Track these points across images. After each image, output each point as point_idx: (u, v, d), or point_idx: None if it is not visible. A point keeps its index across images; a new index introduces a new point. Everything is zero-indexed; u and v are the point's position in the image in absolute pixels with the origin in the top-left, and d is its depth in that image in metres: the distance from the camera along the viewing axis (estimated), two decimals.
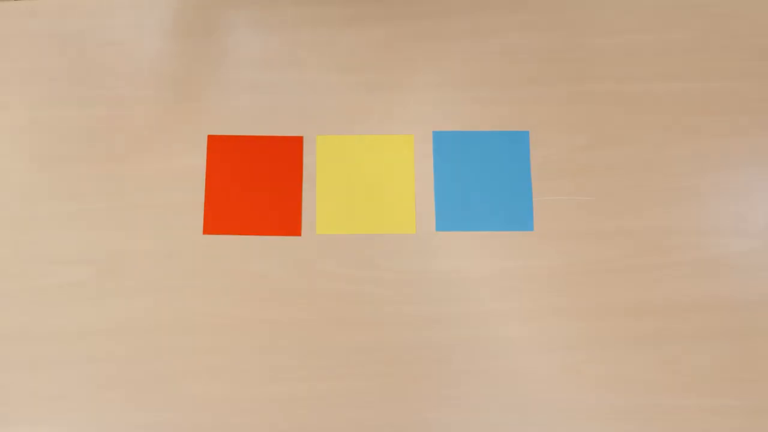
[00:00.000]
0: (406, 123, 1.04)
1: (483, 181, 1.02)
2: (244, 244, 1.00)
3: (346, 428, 0.95)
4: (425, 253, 1.00)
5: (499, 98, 1.04)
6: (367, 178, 1.02)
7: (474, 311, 0.98)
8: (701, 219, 1.01)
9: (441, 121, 1.04)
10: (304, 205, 1.02)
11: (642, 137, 1.03)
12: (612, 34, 1.06)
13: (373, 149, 1.03)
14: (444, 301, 0.99)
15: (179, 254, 0.99)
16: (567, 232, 1.00)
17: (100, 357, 0.96)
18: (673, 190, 1.02)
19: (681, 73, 1.05)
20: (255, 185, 1.02)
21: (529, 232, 1.00)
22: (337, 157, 1.03)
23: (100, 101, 1.04)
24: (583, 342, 0.97)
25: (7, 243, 1.00)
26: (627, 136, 1.03)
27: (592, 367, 0.97)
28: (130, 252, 0.99)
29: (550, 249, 1.00)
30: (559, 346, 0.97)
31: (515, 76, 1.05)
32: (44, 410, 0.95)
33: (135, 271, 0.99)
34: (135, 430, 0.95)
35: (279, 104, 1.04)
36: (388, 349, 0.97)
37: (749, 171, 1.02)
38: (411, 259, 1.00)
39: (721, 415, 0.95)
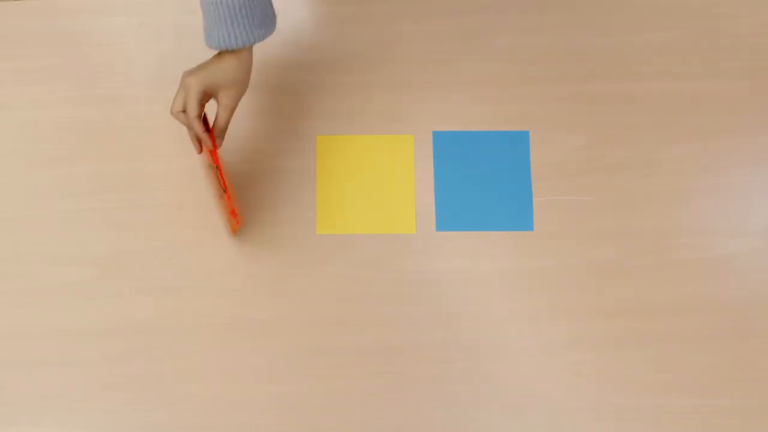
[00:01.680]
0: (406, 123, 1.03)
1: (483, 181, 1.02)
2: (244, 244, 1.00)
3: (345, 428, 0.95)
4: (425, 253, 1.00)
5: (499, 98, 1.04)
6: (367, 178, 1.02)
7: (474, 311, 0.98)
8: (701, 219, 1.01)
9: (441, 121, 1.04)
10: (303, 205, 1.01)
11: (642, 137, 1.03)
12: (612, 34, 1.06)
13: (373, 149, 1.03)
14: (444, 301, 0.98)
15: (179, 254, 0.99)
16: (567, 232, 1.00)
17: (100, 357, 0.96)
18: (673, 190, 1.02)
19: (681, 73, 1.05)
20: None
21: (529, 232, 1.00)
22: (337, 157, 1.03)
23: (100, 101, 1.04)
24: (583, 342, 0.97)
25: (7, 243, 0.99)
26: (627, 136, 1.03)
27: (592, 368, 0.96)
28: (130, 252, 0.99)
29: (550, 249, 1.00)
30: (559, 346, 0.97)
31: (515, 76, 1.05)
32: (45, 410, 0.95)
33: (135, 271, 0.99)
34: (135, 429, 0.94)
35: (280, 104, 1.04)
36: (388, 349, 0.97)
37: (750, 171, 1.02)
38: (411, 259, 1.00)
39: (722, 416, 0.95)
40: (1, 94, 1.04)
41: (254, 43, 0.87)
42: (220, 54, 0.89)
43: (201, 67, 0.89)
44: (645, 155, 1.02)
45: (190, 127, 0.90)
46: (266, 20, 0.89)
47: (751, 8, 1.07)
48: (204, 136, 0.89)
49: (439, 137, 1.03)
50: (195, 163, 1.02)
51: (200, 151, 0.92)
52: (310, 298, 0.98)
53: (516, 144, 1.03)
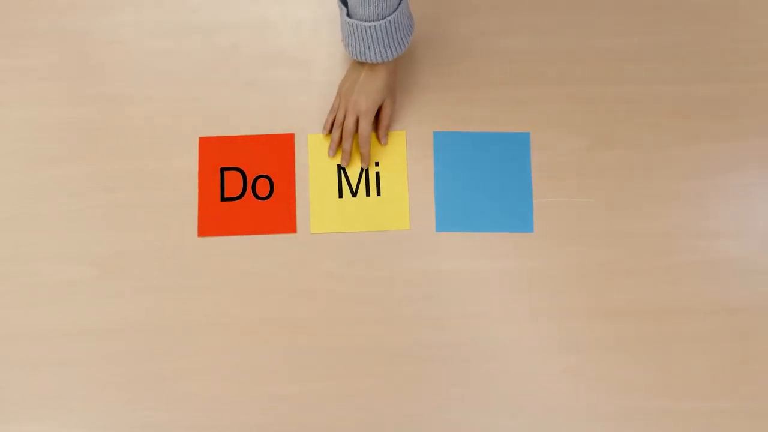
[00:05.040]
0: (406, 123, 1.03)
1: (483, 182, 1.02)
2: (242, 244, 1.00)
3: (344, 428, 0.95)
4: (425, 254, 1.00)
5: (500, 99, 1.04)
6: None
7: (473, 312, 0.98)
8: (701, 221, 1.01)
9: (441, 122, 1.03)
10: (299, 204, 1.01)
11: (642, 139, 1.03)
12: (613, 36, 1.06)
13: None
14: (443, 302, 0.99)
15: (178, 254, 0.99)
16: (567, 233, 1.00)
17: (100, 356, 0.97)
18: (673, 192, 1.01)
19: (682, 75, 1.05)
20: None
21: (529, 233, 1.00)
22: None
23: (100, 100, 1.04)
24: (582, 344, 0.97)
25: (8, 242, 1.00)
26: (627, 138, 1.03)
27: (591, 369, 0.97)
28: (130, 252, 0.99)
29: (549, 251, 1.00)
30: (558, 347, 0.97)
31: (516, 77, 1.04)
32: (45, 409, 0.95)
33: (134, 270, 0.99)
34: (133, 428, 0.95)
35: (276, 104, 1.04)
36: (388, 349, 0.97)
37: (750, 174, 1.02)
38: (411, 260, 1.00)
39: (720, 418, 0.95)
40: (2, 92, 1.04)
41: (407, 47, 0.92)
42: (371, 67, 0.94)
43: (365, 89, 0.95)
44: (645, 157, 1.02)
45: (362, 146, 0.99)
46: (412, 22, 0.92)
47: (753, 12, 1.07)
48: (367, 149, 0.99)
49: (439, 137, 1.03)
50: (195, 162, 1.02)
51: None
52: (309, 298, 0.98)
53: (516, 145, 1.02)
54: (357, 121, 0.97)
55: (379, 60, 0.91)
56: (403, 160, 1.02)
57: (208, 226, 1.00)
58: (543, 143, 1.02)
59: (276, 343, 0.97)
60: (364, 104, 0.95)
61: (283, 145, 1.03)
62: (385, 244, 1.00)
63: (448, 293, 0.99)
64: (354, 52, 0.91)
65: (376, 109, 0.97)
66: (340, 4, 0.90)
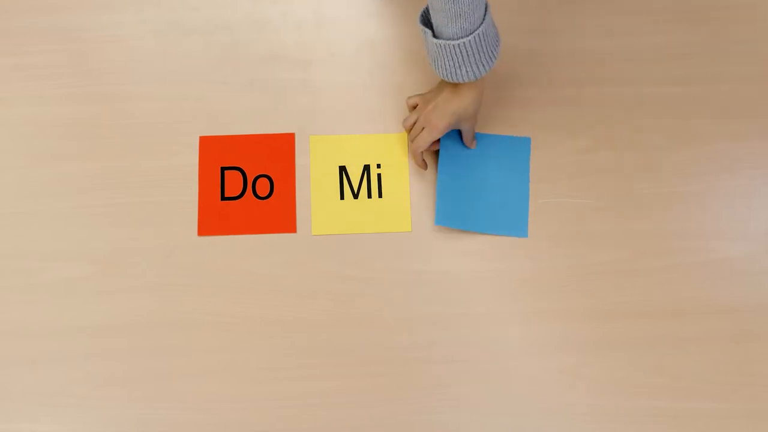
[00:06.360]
0: None
1: (483, 184, 1.02)
2: (242, 244, 1.00)
3: (343, 428, 0.95)
4: (422, 254, 1.00)
5: (500, 100, 1.04)
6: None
7: (473, 313, 0.98)
8: (701, 223, 1.00)
9: None
10: (300, 204, 1.01)
11: (643, 141, 1.03)
12: (614, 37, 1.06)
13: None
14: (440, 303, 0.98)
15: (178, 253, 1.00)
16: (566, 234, 1.00)
17: (98, 354, 0.97)
18: (673, 192, 1.01)
19: (682, 77, 1.05)
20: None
21: (529, 232, 1.00)
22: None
23: (101, 98, 1.04)
24: (580, 345, 0.97)
25: (7, 239, 1.00)
26: (627, 139, 1.03)
27: (589, 370, 0.96)
28: (130, 250, 0.99)
29: (549, 251, 1.00)
30: (556, 348, 0.97)
31: (516, 78, 1.04)
32: (43, 406, 0.95)
33: (134, 269, 0.99)
34: (133, 426, 0.95)
35: (276, 104, 1.04)
36: (387, 349, 0.97)
37: (750, 175, 1.02)
38: (408, 260, 1.00)
39: (720, 418, 0.95)
40: (2, 90, 1.05)
41: (497, 60, 0.89)
42: (454, 88, 0.92)
43: (441, 108, 0.93)
44: (645, 158, 1.02)
45: (413, 155, 0.99)
46: (497, 32, 0.90)
47: (753, 13, 1.07)
48: (418, 160, 1.00)
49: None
50: (195, 160, 1.02)
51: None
52: (309, 297, 0.98)
53: (517, 150, 1.02)
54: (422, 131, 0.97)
55: (472, 78, 0.88)
56: (405, 162, 1.02)
57: (207, 225, 1.00)
58: (543, 144, 1.02)
59: (276, 343, 0.97)
60: (434, 122, 0.94)
61: (283, 145, 1.03)
62: (381, 245, 1.00)
63: (447, 294, 0.99)
64: (445, 74, 0.89)
65: (446, 130, 0.95)
66: (424, 27, 0.88)
